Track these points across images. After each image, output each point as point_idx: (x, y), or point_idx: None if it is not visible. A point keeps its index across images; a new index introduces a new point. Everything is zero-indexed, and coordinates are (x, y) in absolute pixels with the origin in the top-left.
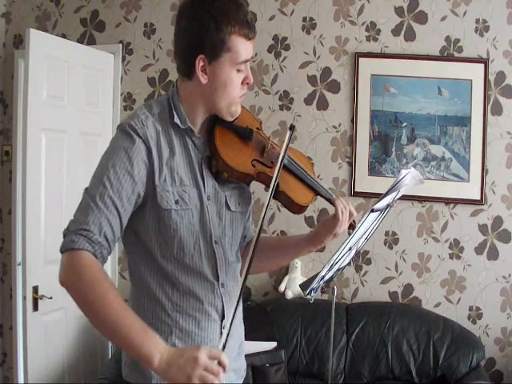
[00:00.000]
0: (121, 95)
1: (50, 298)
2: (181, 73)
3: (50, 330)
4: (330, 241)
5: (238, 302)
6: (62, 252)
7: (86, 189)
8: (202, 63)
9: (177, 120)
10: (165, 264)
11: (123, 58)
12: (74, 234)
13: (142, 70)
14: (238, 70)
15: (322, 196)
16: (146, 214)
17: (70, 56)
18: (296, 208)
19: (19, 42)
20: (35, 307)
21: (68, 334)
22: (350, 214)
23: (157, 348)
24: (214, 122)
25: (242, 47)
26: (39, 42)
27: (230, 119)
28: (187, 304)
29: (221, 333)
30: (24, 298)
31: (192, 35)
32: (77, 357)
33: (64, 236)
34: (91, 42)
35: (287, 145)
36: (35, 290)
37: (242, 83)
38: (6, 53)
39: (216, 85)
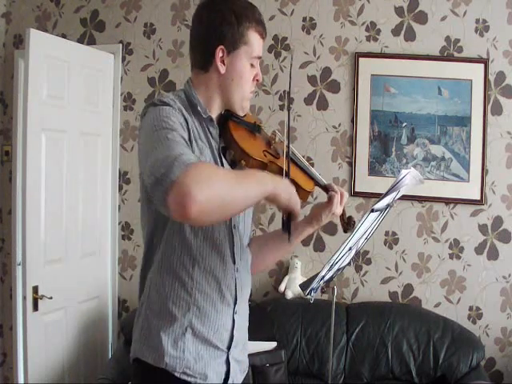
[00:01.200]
0: (121, 95)
1: (50, 298)
2: (197, 66)
3: (50, 329)
4: (326, 221)
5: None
6: (171, 183)
7: (145, 152)
8: (221, 54)
9: (199, 109)
10: (192, 238)
11: (123, 58)
12: (176, 161)
13: (142, 70)
14: (252, 65)
15: (318, 185)
16: None
17: (70, 56)
18: (302, 194)
19: (19, 42)
20: (35, 307)
21: (68, 334)
22: (342, 195)
23: (276, 182)
24: (226, 118)
25: (257, 42)
26: (39, 42)
27: (241, 114)
28: (206, 283)
29: (233, 318)
30: (24, 298)
31: (214, 27)
32: (77, 357)
33: (163, 178)
34: (91, 42)
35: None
36: (35, 290)
37: (253, 79)
38: (6, 53)
39: (233, 75)
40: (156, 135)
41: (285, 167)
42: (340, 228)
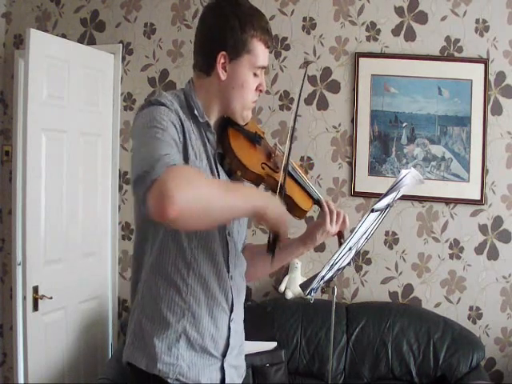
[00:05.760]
0: (121, 95)
1: (50, 298)
2: (199, 69)
3: (50, 329)
4: (321, 241)
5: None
6: (152, 181)
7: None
8: (223, 60)
9: (196, 113)
10: (187, 242)
11: (123, 58)
12: (160, 161)
13: (142, 70)
14: (255, 75)
15: (315, 202)
16: None
17: (70, 56)
18: (299, 212)
19: (19, 42)
20: (35, 307)
21: (68, 334)
22: (338, 215)
23: (266, 198)
24: (226, 124)
25: (261, 52)
26: (39, 41)
27: (241, 123)
28: (201, 289)
29: (228, 326)
30: (24, 298)
31: (217, 32)
32: (77, 357)
33: (144, 176)
34: (91, 42)
35: (303, 83)
36: (35, 290)
37: (256, 89)
38: (5, 53)
39: (233, 83)
40: (146, 133)
41: (281, 180)
42: None
